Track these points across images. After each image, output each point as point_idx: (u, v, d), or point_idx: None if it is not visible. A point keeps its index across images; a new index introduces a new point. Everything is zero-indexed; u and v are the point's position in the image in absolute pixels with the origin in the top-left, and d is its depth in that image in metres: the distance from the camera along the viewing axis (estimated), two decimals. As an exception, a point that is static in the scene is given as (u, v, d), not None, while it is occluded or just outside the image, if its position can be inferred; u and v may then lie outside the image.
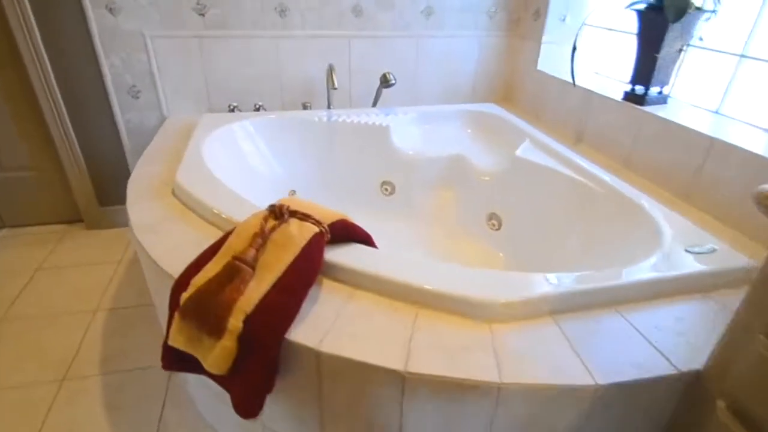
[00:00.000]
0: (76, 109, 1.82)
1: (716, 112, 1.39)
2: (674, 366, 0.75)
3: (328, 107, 1.95)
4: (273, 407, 0.90)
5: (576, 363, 0.74)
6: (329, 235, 0.95)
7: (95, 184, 1.98)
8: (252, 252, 0.87)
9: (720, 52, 1.35)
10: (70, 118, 1.82)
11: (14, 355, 1.40)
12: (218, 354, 0.79)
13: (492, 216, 1.73)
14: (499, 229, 1.71)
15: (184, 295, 0.83)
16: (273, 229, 0.93)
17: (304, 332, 0.80)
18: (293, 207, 0.98)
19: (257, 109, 1.97)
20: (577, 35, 1.41)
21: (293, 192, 1.86)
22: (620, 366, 0.74)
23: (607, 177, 1.34)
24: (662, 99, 1.43)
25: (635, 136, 1.45)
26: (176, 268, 0.91)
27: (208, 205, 1.11)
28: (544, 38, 1.93)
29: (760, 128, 1.25)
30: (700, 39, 1.32)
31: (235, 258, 0.86)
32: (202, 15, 1.78)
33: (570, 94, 1.74)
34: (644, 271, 0.92)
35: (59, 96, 1.77)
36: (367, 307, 0.86)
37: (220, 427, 1.17)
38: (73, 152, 1.88)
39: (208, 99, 1.93)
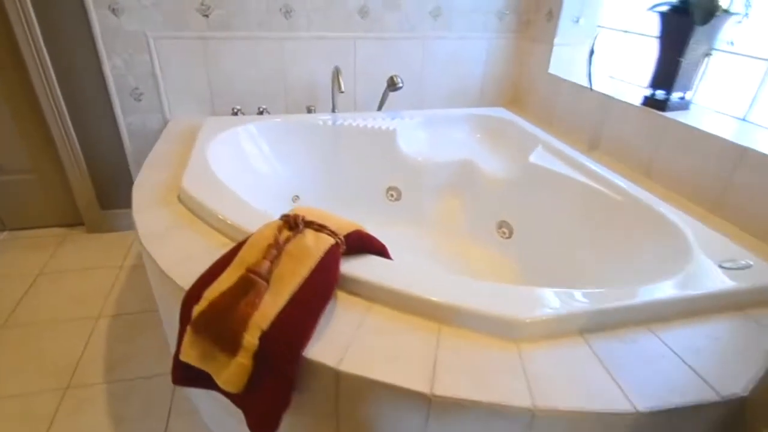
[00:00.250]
0: (77, 111, 1.78)
1: (743, 120, 1.35)
2: (716, 391, 0.71)
3: (333, 111, 1.92)
4: (285, 424, 0.86)
5: (611, 386, 0.71)
6: (345, 247, 0.92)
7: (96, 188, 1.95)
8: (266, 264, 0.84)
9: (749, 57, 1.30)
10: (71, 120, 1.79)
11: (16, 364, 1.37)
12: (233, 371, 0.76)
13: (502, 224, 1.70)
14: (509, 237, 1.67)
15: (197, 309, 0.80)
16: (287, 240, 0.89)
17: (322, 350, 0.76)
18: (308, 217, 0.94)
19: (261, 113, 1.93)
20: (595, 37, 1.37)
21: (297, 197, 1.82)
22: (658, 390, 0.71)
23: (627, 185, 1.31)
24: (684, 105, 1.40)
25: (656, 143, 1.41)
26: (186, 279, 0.88)
27: (216, 213, 1.07)
28: (556, 40, 1.89)
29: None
30: (731, 43, 1.28)
31: (249, 270, 0.82)
32: (206, 16, 1.74)
33: (585, 98, 1.70)
34: (677, 287, 0.88)
35: (61, 98, 1.73)
36: (386, 323, 0.83)
37: (226, 439, 1.14)
38: (75, 155, 1.85)
39: (211, 102, 1.89)
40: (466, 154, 1.82)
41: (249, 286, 0.80)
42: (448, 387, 0.70)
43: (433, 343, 0.79)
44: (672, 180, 1.37)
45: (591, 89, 1.57)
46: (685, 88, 1.39)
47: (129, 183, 1.93)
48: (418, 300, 0.83)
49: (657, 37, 1.37)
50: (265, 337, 0.74)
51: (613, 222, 1.28)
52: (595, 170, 1.41)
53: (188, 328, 0.80)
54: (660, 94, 1.41)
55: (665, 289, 0.87)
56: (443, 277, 0.89)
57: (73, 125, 1.79)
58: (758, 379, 0.69)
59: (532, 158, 1.59)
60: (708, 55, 1.30)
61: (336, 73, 1.75)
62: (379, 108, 2.01)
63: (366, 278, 0.88)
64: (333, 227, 0.93)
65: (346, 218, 0.99)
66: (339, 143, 1.84)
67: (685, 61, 1.28)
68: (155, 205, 1.19)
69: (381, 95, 1.99)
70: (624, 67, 1.80)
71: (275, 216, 0.99)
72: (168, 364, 1.37)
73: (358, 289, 0.88)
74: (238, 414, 0.81)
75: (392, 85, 1.86)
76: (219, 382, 0.78)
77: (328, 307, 0.84)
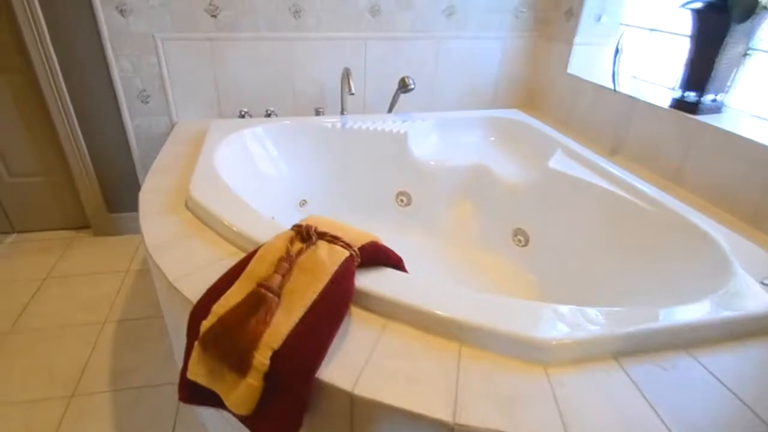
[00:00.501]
0: (84, 113, 1.75)
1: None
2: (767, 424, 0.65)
3: (342, 113, 1.87)
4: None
5: (651, 416, 0.65)
6: (359, 259, 0.87)
7: (104, 191, 1.92)
8: (277, 278, 0.79)
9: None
10: (79, 123, 1.76)
11: (22, 370, 1.36)
12: (242, 392, 0.72)
13: (518, 231, 1.64)
14: (525, 245, 1.61)
15: (205, 324, 0.76)
16: (300, 252, 0.85)
17: (336, 371, 0.72)
18: (321, 227, 0.89)
19: (268, 115, 1.89)
20: (621, 35, 1.30)
21: (305, 202, 1.78)
22: (702, 420, 0.65)
23: (656, 193, 1.24)
24: (717, 107, 1.32)
25: (686, 148, 1.34)
26: (194, 291, 0.84)
27: (225, 222, 1.03)
28: (577, 39, 1.82)
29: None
30: None
31: (260, 285, 0.78)
32: (215, 16, 1.70)
33: (607, 100, 1.63)
34: (718, 307, 0.82)
35: (68, 99, 1.70)
36: (404, 342, 0.78)
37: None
38: (82, 157, 1.82)
39: (218, 104, 1.85)
40: (479, 158, 1.76)
41: (259, 302, 0.76)
42: (473, 415, 0.65)
43: (454, 365, 0.74)
44: (704, 188, 1.30)
45: (615, 91, 1.49)
46: (719, 90, 1.32)
47: (136, 186, 1.90)
48: (437, 318, 0.79)
49: (689, 36, 1.30)
50: (276, 357, 0.70)
51: (641, 232, 1.21)
52: (621, 176, 1.34)
53: (196, 345, 0.76)
54: (691, 96, 1.34)
55: (706, 310, 0.81)
56: (464, 293, 0.84)
57: (81, 127, 1.77)
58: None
59: (552, 163, 1.53)
60: (745, 54, 1.23)
61: (346, 75, 1.70)
62: (390, 110, 1.96)
63: (382, 294, 0.83)
64: (347, 239, 0.88)
65: (360, 228, 0.95)
66: (348, 146, 1.79)
67: (720, 62, 1.21)
68: (162, 212, 1.15)
69: (391, 97, 1.94)
70: (648, 67, 1.73)
71: (286, 225, 0.95)
72: (174, 374, 1.34)
73: (374, 305, 0.84)
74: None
75: (404, 86, 1.81)
76: (228, 404, 0.74)
77: (343, 324, 0.79)
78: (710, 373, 0.73)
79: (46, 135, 1.82)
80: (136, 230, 1.98)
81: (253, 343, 0.71)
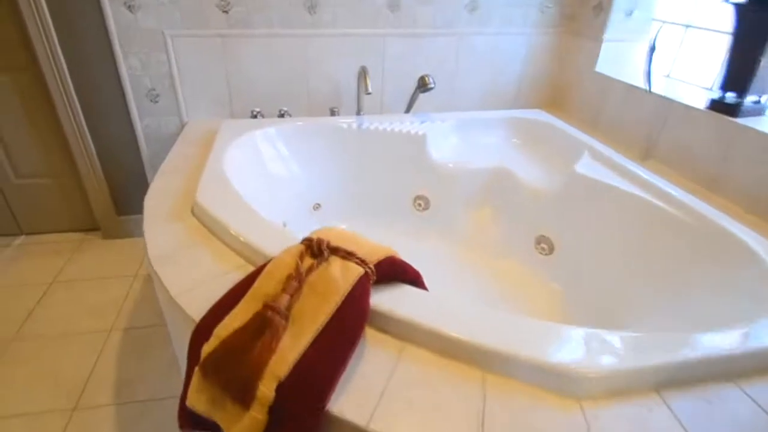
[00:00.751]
0: (93, 113, 1.71)
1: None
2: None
3: (358, 113, 1.80)
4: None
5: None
6: (375, 276, 0.80)
7: (112, 193, 1.89)
8: (285, 298, 0.73)
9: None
10: (86, 123, 1.72)
11: (25, 379, 1.33)
12: (246, 426, 0.65)
13: (541, 239, 1.55)
14: (549, 254, 1.52)
15: (206, 349, 0.70)
16: (310, 269, 0.78)
17: (348, 403, 0.65)
18: (333, 242, 0.82)
19: (282, 115, 1.83)
20: (657, 32, 1.21)
21: (318, 205, 1.72)
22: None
23: (695, 202, 1.15)
24: (759, 110, 1.23)
25: (725, 153, 1.25)
26: (196, 309, 0.79)
27: (232, 232, 0.97)
28: (606, 36, 1.72)
29: None
30: None
31: (267, 306, 0.71)
32: (226, 12, 1.64)
33: (639, 100, 1.53)
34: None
35: (75, 98, 1.66)
36: (423, 369, 0.71)
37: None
38: (90, 159, 1.78)
39: (230, 103, 1.80)
40: (501, 161, 1.68)
41: (265, 325, 0.69)
42: (502, 458, 0.58)
43: (479, 395, 0.67)
44: (744, 197, 1.20)
45: (649, 91, 1.40)
46: (762, 91, 1.23)
47: (145, 188, 1.84)
48: (458, 342, 0.72)
49: (730, 33, 1.21)
50: (282, 388, 0.64)
51: (677, 245, 1.12)
52: (653, 182, 1.25)
53: (196, 371, 0.70)
54: (731, 97, 1.25)
55: (755, 335, 0.72)
56: (488, 314, 0.77)
57: (89, 128, 1.73)
58: None
59: (579, 167, 1.44)
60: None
61: (363, 73, 1.63)
62: (408, 110, 1.89)
63: (399, 315, 0.76)
64: (361, 253, 0.81)
65: (375, 241, 0.88)
66: (364, 148, 1.72)
67: (765, 61, 1.12)
68: (167, 218, 1.10)
69: (410, 96, 1.86)
70: (683, 65, 1.62)
71: (298, 231, 0.89)
72: (178, 386, 1.29)
73: (389, 326, 0.77)
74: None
75: (423, 85, 1.73)
76: (229, 437, 0.68)
77: (356, 349, 0.72)
78: (759, 406, 0.66)
79: (53, 136, 1.79)
80: (146, 232, 1.94)
81: (258, 372, 0.65)
